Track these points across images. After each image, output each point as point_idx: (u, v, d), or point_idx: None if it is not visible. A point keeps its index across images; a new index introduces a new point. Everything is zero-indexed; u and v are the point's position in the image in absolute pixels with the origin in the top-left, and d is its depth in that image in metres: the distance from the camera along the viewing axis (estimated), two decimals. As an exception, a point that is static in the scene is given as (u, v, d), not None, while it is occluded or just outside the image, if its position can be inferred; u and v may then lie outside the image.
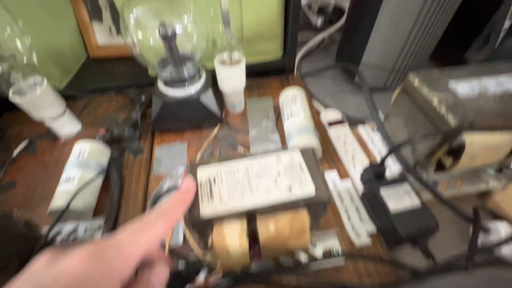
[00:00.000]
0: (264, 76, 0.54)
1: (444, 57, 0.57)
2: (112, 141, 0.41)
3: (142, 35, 0.35)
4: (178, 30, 0.35)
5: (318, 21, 0.72)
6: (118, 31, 0.56)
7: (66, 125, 0.42)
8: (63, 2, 0.52)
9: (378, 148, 0.41)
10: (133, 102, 0.48)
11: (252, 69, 0.53)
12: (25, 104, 0.36)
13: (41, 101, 0.37)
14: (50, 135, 0.43)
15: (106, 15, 0.55)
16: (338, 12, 0.74)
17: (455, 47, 0.53)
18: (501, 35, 0.53)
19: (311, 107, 0.45)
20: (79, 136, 0.43)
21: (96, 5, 0.54)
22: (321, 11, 0.75)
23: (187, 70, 0.38)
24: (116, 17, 0.55)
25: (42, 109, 0.38)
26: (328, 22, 0.76)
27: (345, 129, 0.43)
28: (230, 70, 0.39)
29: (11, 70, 0.35)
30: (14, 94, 0.35)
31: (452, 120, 0.28)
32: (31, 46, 0.36)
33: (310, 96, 0.48)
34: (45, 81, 0.37)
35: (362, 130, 0.43)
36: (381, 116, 0.42)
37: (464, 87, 0.30)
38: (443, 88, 0.30)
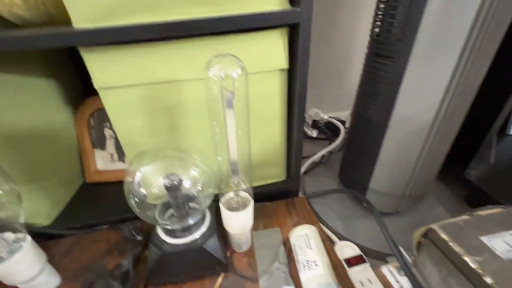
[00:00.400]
0: (269, 200, 0.51)
1: (447, 175, 0.59)
2: (94, 305, 0.34)
3: (145, 189, 0.33)
4: (185, 182, 0.33)
5: (314, 133, 0.77)
6: (120, 158, 0.56)
7: (42, 284, 0.35)
8: (66, 134, 0.53)
9: (411, 298, 0.35)
10: (126, 241, 0.43)
11: (255, 194, 0.51)
12: (-3, 272, 0.31)
13: (18, 266, 0.31)
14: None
15: (110, 143, 0.56)
16: (330, 124, 0.80)
17: (456, 165, 0.55)
18: (493, 151, 0.56)
19: (324, 241, 0.41)
20: (55, 295, 0.36)
21: (101, 134, 0.56)
22: (314, 124, 0.80)
23: (192, 217, 0.35)
24: (119, 144, 0.56)
25: (17, 275, 0.32)
26: (322, 133, 0.81)
27: (368, 272, 0.38)
28: (238, 214, 0.36)
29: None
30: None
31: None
32: (20, 201, 0.33)
33: (319, 226, 0.45)
34: (28, 239, 0.33)
35: (387, 271, 0.38)
36: (402, 250, 0.38)
37: (499, 244, 0.28)
38: (478, 248, 0.27)
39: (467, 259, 0.27)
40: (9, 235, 0.32)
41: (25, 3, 0.35)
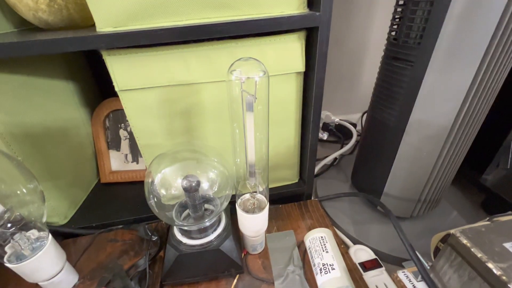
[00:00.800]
0: (281, 203, 0.51)
1: (463, 180, 0.58)
2: (112, 304, 0.34)
3: (165, 190, 0.34)
4: (203, 183, 0.34)
5: (324, 136, 0.77)
6: (134, 159, 0.57)
7: (62, 282, 0.36)
8: (84, 135, 0.54)
9: (429, 304, 0.34)
10: (142, 241, 0.44)
11: (269, 196, 0.51)
12: (21, 270, 0.31)
13: (40, 263, 0.32)
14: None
15: (125, 144, 0.57)
16: (340, 127, 0.80)
17: (473, 171, 0.54)
18: (510, 157, 0.55)
19: (339, 244, 0.41)
20: (73, 294, 0.36)
21: (116, 135, 0.56)
22: (325, 127, 0.80)
23: (208, 219, 0.36)
24: (133, 145, 0.57)
25: (39, 273, 0.33)
26: (333, 135, 0.81)
27: (383, 276, 0.38)
28: (254, 217, 0.36)
29: (17, 227, 0.31)
30: (9, 259, 0.31)
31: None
32: (43, 201, 0.34)
33: (333, 229, 0.44)
34: (50, 238, 0.34)
35: (403, 276, 0.38)
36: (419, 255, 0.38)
37: (524, 251, 0.27)
38: (501, 255, 0.27)
39: (490, 265, 0.26)
40: (32, 234, 0.33)
41: (50, 7, 0.36)
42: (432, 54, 0.33)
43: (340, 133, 0.79)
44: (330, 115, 0.79)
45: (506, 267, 0.26)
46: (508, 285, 0.25)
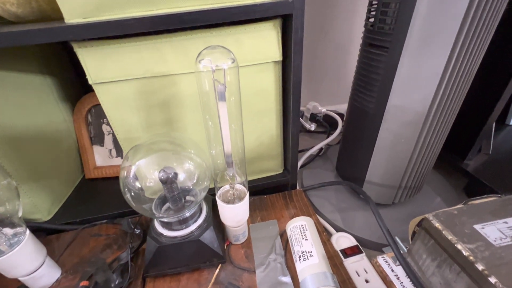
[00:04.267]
0: (266, 194, 0.52)
1: (445, 166, 0.58)
2: (94, 297, 0.34)
3: (141, 183, 0.34)
4: (180, 175, 0.34)
5: (312, 126, 0.77)
6: (118, 154, 0.57)
7: (43, 277, 0.36)
8: (65, 131, 0.54)
9: (406, 286, 0.35)
10: (125, 235, 0.44)
11: (253, 187, 0.51)
12: (-2, 265, 0.31)
13: (18, 259, 0.32)
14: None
15: (108, 138, 0.56)
16: (328, 118, 0.80)
17: (455, 156, 0.54)
18: (491, 142, 0.55)
19: (320, 232, 0.42)
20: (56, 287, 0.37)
21: (100, 131, 0.56)
22: (312, 117, 0.80)
23: (188, 210, 0.36)
24: (117, 140, 0.56)
25: (18, 268, 0.33)
26: (321, 126, 0.81)
27: (364, 261, 0.39)
28: (234, 207, 0.37)
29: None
30: (-14, 255, 0.31)
31: (493, 280, 0.24)
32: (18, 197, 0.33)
33: (316, 217, 0.45)
34: (27, 233, 0.33)
35: (382, 261, 0.39)
36: (397, 240, 0.38)
37: (492, 232, 0.28)
38: (470, 236, 0.28)
39: (459, 246, 0.27)
40: (8, 230, 0.33)
41: (18, 0, 0.35)
42: (406, 39, 0.33)
43: (327, 123, 0.79)
44: (317, 106, 0.79)
45: (474, 247, 0.26)
46: (475, 265, 0.25)
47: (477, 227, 0.29)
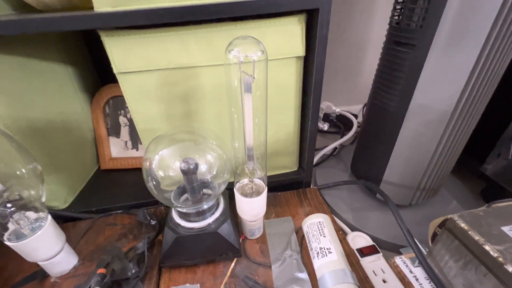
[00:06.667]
0: (280, 190, 0.51)
1: (462, 169, 0.57)
2: (111, 285, 0.35)
3: (163, 172, 0.34)
4: (201, 166, 0.34)
5: (325, 126, 0.76)
6: (133, 146, 0.57)
7: (61, 263, 0.36)
8: (83, 121, 0.54)
9: (425, 288, 0.34)
10: (140, 225, 0.44)
11: (268, 183, 0.51)
12: (20, 248, 0.32)
13: (39, 243, 0.32)
14: (37, 276, 0.36)
15: (124, 130, 0.57)
16: (342, 118, 0.79)
17: (473, 160, 0.54)
18: (511, 147, 0.54)
19: (337, 230, 0.41)
20: (72, 274, 0.37)
21: (116, 122, 0.56)
22: (326, 117, 0.80)
23: (206, 202, 0.36)
24: (133, 132, 0.57)
25: (38, 252, 0.33)
26: (334, 126, 0.81)
27: (380, 261, 0.38)
28: (251, 201, 0.36)
29: (17, 207, 0.32)
30: (9, 238, 0.31)
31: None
32: (42, 181, 0.34)
33: (332, 216, 0.44)
34: (49, 218, 0.34)
35: (401, 262, 0.38)
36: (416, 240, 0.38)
37: (521, 234, 0.27)
38: (498, 237, 0.27)
39: (487, 248, 0.26)
40: (32, 214, 0.33)
41: (48, -13, 0.35)
42: (434, 37, 0.32)
43: (341, 123, 0.78)
44: (331, 106, 0.79)
45: (503, 249, 0.26)
46: (504, 266, 0.25)
47: (505, 229, 0.28)
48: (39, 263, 0.35)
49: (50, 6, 0.38)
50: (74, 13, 0.32)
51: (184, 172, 0.33)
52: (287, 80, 0.41)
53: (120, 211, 0.47)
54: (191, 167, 0.33)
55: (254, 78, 0.28)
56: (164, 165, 0.33)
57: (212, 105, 0.41)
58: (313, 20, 0.36)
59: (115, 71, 0.36)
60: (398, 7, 0.37)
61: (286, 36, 0.37)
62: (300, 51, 0.38)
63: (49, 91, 0.45)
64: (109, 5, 0.32)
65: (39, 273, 0.37)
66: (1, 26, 0.30)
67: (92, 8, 0.32)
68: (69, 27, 0.31)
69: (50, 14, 0.33)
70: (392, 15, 0.39)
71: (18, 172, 0.32)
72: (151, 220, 0.43)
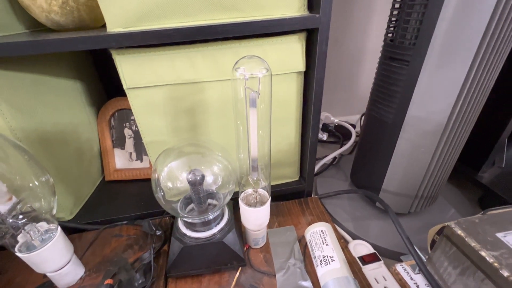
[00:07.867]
0: (282, 200, 0.53)
1: (459, 178, 0.59)
2: (119, 295, 0.35)
3: (171, 183, 0.35)
4: (207, 177, 0.35)
5: (324, 136, 0.78)
6: (138, 157, 0.58)
7: (69, 274, 0.37)
8: (89, 134, 0.56)
9: (426, 295, 0.35)
10: (145, 236, 0.45)
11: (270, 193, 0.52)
12: (31, 259, 0.32)
13: (49, 254, 0.33)
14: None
15: (129, 142, 0.58)
16: (340, 128, 0.81)
17: (469, 167, 0.55)
18: (505, 156, 0.56)
19: (339, 238, 0.42)
20: (79, 285, 0.37)
21: (121, 134, 0.58)
22: (324, 127, 0.82)
23: (211, 212, 0.37)
24: (138, 144, 0.58)
25: (48, 263, 0.34)
26: (332, 136, 0.83)
27: (382, 269, 0.39)
28: (256, 210, 0.38)
29: (28, 218, 0.32)
30: (20, 249, 0.32)
31: (520, 287, 0.24)
32: (53, 193, 0.35)
33: (333, 225, 0.45)
34: (59, 230, 0.35)
35: (401, 270, 0.39)
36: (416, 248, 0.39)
37: (515, 240, 0.29)
38: (494, 244, 0.28)
39: (483, 253, 0.27)
40: (43, 225, 0.34)
41: (62, 9, 0.37)
42: (427, 54, 0.34)
43: (339, 133, 0.80)
44: (329, 116, 0.81)
45: (498, 255, 0.27)
46: (500, 271, 0.26)
47: (499, 235, 0.29)
48: (47, 274, 0.36)
49: (63, 26, 0.40)
50: (88, 33, 0.34)
51: (191, 183, 0.34)
52: (289, 94, 0.43)
53: (125, 222, 0.48)
54: (198, 178, 0.34)
55: (259, 94, 0.29)
56: (172, 176, 0.35)
57: (217, 119, 0.42)
58: (312, 37, 0.39)
59: (124, 86, 0.38)
60: (391, 25, 0.40)
61: (288, 53, 0.39)
62: (301, 66, 0.40)
63: (58, 105, 0.47)
64: (121, 26, 0.34)
65: (46, 285, 0.37)
66: (20, 47, 0.32)
67: (102, 27, 0.34)
68: (84, 47, 0.33)
69: (66, 35, 0.35)
70: (387, 33, 0.41)
71: (31, 184, 0.33)
72: (157, 231, 0.44)
